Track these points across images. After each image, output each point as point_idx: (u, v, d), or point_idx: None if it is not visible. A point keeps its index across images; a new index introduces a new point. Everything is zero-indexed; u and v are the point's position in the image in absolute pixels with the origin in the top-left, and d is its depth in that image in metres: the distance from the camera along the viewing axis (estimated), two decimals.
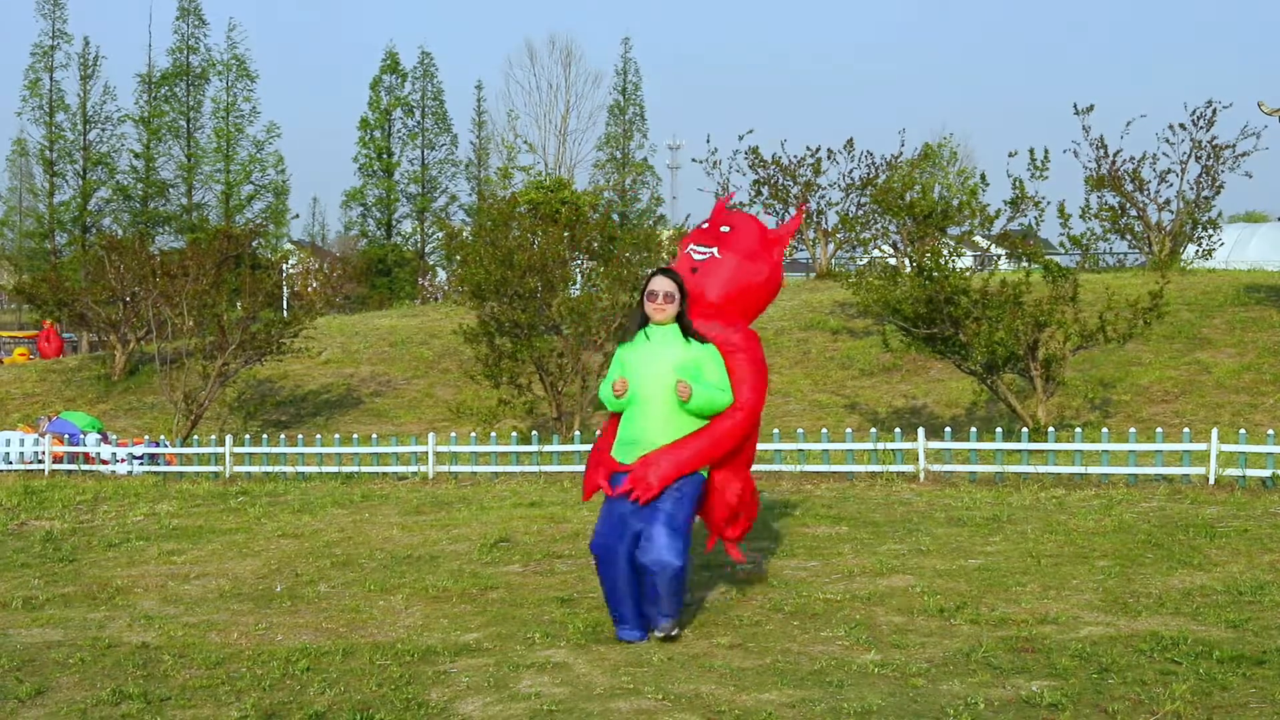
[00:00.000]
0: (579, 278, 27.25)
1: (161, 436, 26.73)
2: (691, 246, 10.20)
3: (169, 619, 10.84)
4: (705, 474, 9.52)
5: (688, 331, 9.46)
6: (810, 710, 7.62)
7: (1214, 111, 38.66)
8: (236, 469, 22.69)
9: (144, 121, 74.82)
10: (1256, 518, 14.37)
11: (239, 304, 30.40)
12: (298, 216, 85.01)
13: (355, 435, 23.60)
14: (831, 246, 42.24)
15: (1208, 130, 38.49)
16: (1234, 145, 38.57)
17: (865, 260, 38.46)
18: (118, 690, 8.49)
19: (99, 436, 24.69)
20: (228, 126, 75.86)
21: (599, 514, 9.46)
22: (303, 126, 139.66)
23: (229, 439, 23.19)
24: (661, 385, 9.28)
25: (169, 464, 23.84)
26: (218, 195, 75.56)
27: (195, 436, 26.42)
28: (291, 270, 48.77)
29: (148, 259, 33.90)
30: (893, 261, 33.30)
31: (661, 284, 9.46)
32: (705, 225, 10.46)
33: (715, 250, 10.01)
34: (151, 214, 73.63)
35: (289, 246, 74.90)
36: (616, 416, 9.74)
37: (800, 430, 20.76)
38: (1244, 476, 17.18)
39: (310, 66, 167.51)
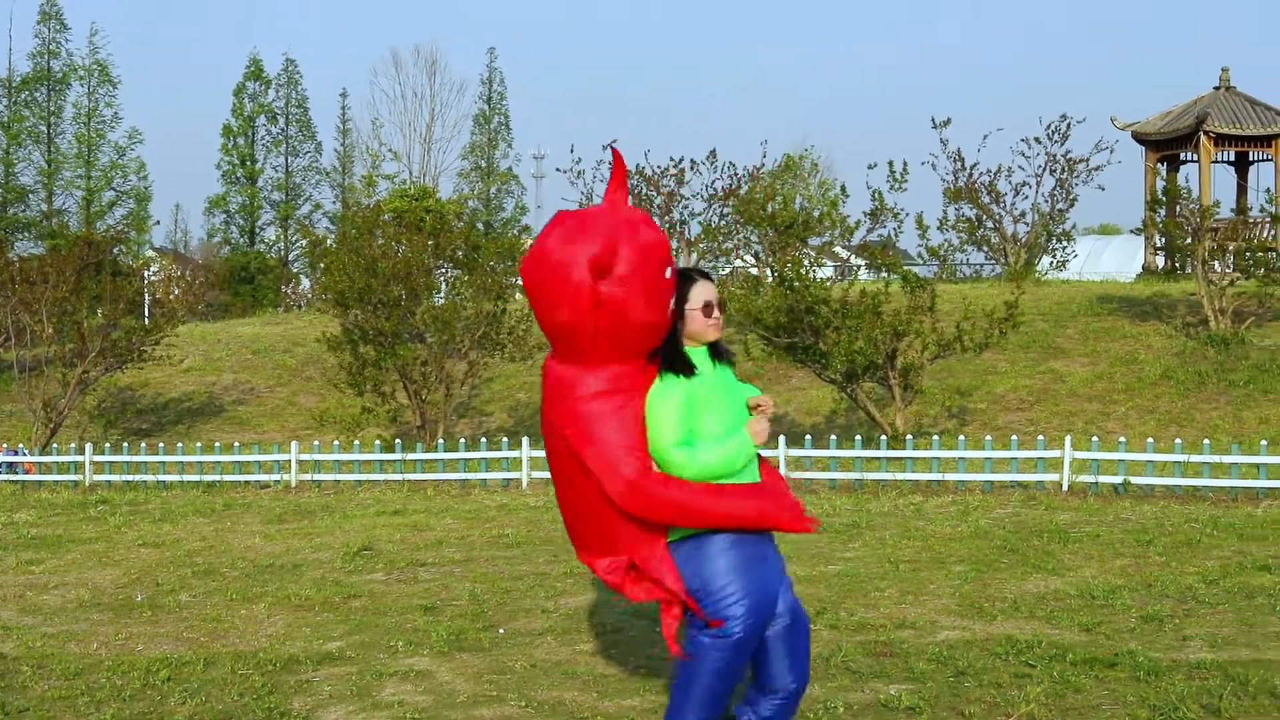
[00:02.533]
0: (443, 286, 27.23)
1: (20, 445, 26.38)
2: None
3: (27, 629, 10.73)
4: None
5: (717, 353, 6.57)
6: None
7: (1068, 126, 39.39)
8: (96, 478, 22.44)
9: (3, 126, 73.57)
10: (1108, 523, 14.66)
11: (100, 311, 30.04)
12: (159, 223, 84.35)
13: (217, 443, 23.42)
14: (695, 256, 42.46)
15: (1062, 144, 39.23)
16: (1088, 159, 39.39)
17: (728, 270, 38.70)
18: None
19: None
20: (89, 132, 74.79)
21: (735, 571, 6.27)
22: (165, 132, 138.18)
23: (89, 447, 22.93)
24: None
25: (28, 472, 23.53)
26: (78, 201, 74.44)
27: (54, 445, 26.08)
28: (153, 277, 48.09)
29: (6, 265, 33.33)
30: (754, 271, 33.55)
31: (714, 291, 6.46)
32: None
33: None
34: (10, 220, 72.39)
35: (151, 253, 73.84)
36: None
37: None
38: (1096, 483, 17.51)
39: (173, 72, 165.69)
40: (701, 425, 6.19)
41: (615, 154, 6.64)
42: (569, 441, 6.20)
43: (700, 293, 6.37)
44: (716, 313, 6.41)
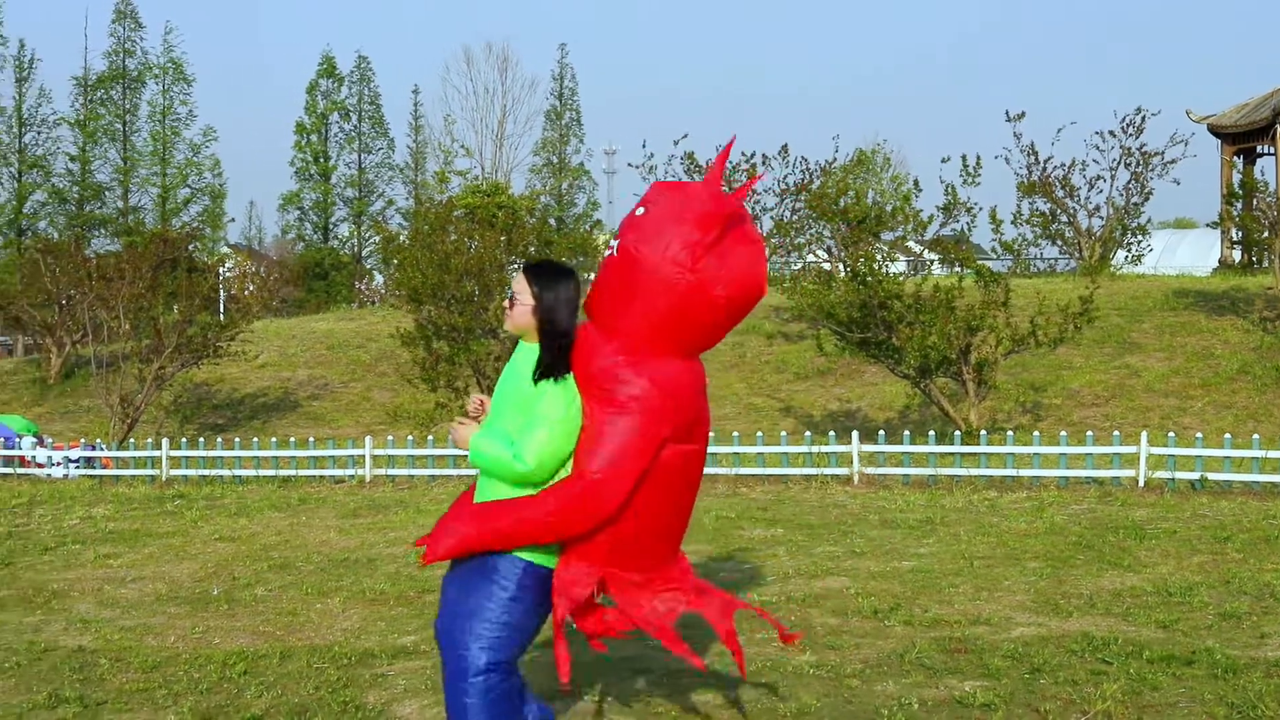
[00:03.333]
0: None
1: (98, 440, 26.60)
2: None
3: (105, 622, 10.83)
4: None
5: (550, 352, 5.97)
6: (745, 711, 7.71)
7: (1143, 119, 39.04)
8: (173, 472, 22.59)
9: (80, 124, 74.18)
10: (1185, 520, 14.55)
11: (175, 307, 30.25)
12: (234, 220, 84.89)
13: (292, 438, 23.55)
14: (767, 251, 42.34)
15: (1137, 137, 38.85)
16: (1163, 152, 38.97)
17: (800, 265, 38.61)
18: (54, 694, 8.48)
19: (35, 440, 24.53)
20: (164, 130, 75.30)
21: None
22: (240, 130, 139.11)
23: (165, 442, 23.09)
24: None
25: (105, 467, 23.71)
26: (154, 198, 75.00)
27: (131, 440, 26.30)
28: (228, 273, 48.51)
29: (83, 262, 33.68)
30: (827, 266, 33.48)
31: (517, 284, 6.05)
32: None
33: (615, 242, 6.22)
34: (87, 217, 73.04)
35: (226, 250, 74.36)
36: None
37: (736, 433, 20.87)
38: (1173, 479, 17.38)
39: (247, 70, 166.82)
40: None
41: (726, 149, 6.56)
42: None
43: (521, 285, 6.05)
44: (507, 301, 6.10)
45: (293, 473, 21.80)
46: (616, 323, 5.97)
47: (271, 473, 21.87)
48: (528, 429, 5.80)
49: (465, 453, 5.97)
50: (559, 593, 6.25)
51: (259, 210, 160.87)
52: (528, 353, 5.98)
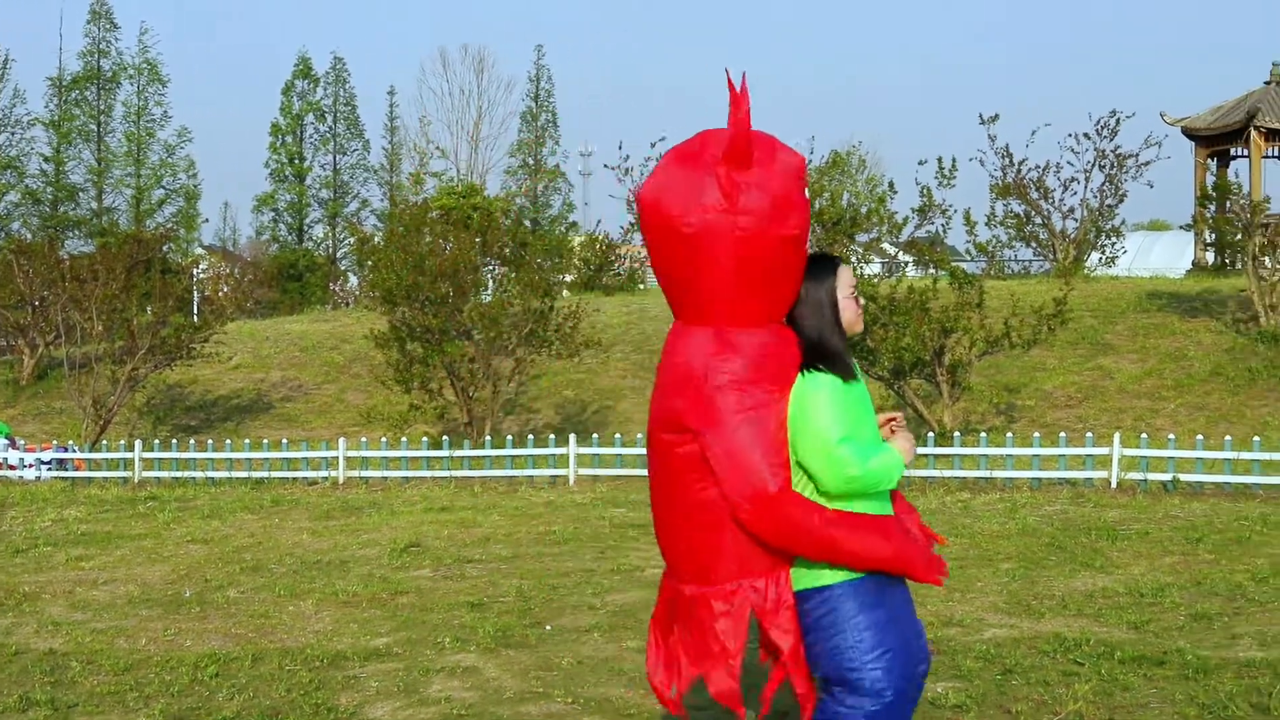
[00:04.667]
0: (490, 283, 27.27)
1: (70, 441, 26.52)
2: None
3: (76, 625, 10.80)
4: None
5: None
6: (720, 711, 7.70)
7: (1117, 121, 39.14)
8: (145, 474, 22.55)
9: (54, 125, 73.90)
10: (1157, 521, 14.61)
11: (149, 308, 30.20)
12: (208, 221, 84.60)
13: (265, 440, 23.52)
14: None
15: (1111, 140, 38.96)
16: (1137, 154, 39.09)
17: None
18: (24, 697, 8.46)
19: (7, 442, 24.45)
20: (139, 131, 75.08)
21: (899, 614, 5.28)
22: (214, 131, 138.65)
23: (138, 444, 23.05)
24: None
25: (77, 469, 23.67)
26: (128, 199, 74.74)
27: (104, 441, 26.21)
28: (202, 275, 48.45)
29: (57, 263, 33.53)
30: None
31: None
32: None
33: None
34: (61, 218, 72.76)
35: (200, 251, 74.14)
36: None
37: None
38: (1145, 480, 17.44)
39: (222, 71, 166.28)
40: (854, 430, 5.12)
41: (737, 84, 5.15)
42: (698, 437, 5.07)
43: (848, 277, 5.38)
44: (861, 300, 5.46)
45: (266, 475, 21.77)
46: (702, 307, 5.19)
47: (244, 474, 21.84)
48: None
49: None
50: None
51: (233, 211, 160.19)
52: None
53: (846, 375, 5.16)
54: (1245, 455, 17.33)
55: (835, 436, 5.02)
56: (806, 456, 5.03)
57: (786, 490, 5.01)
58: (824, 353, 5.18)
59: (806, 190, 5.22)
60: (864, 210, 33.24)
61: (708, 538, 5.17)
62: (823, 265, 5.32)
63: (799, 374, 5.11)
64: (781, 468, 5.02)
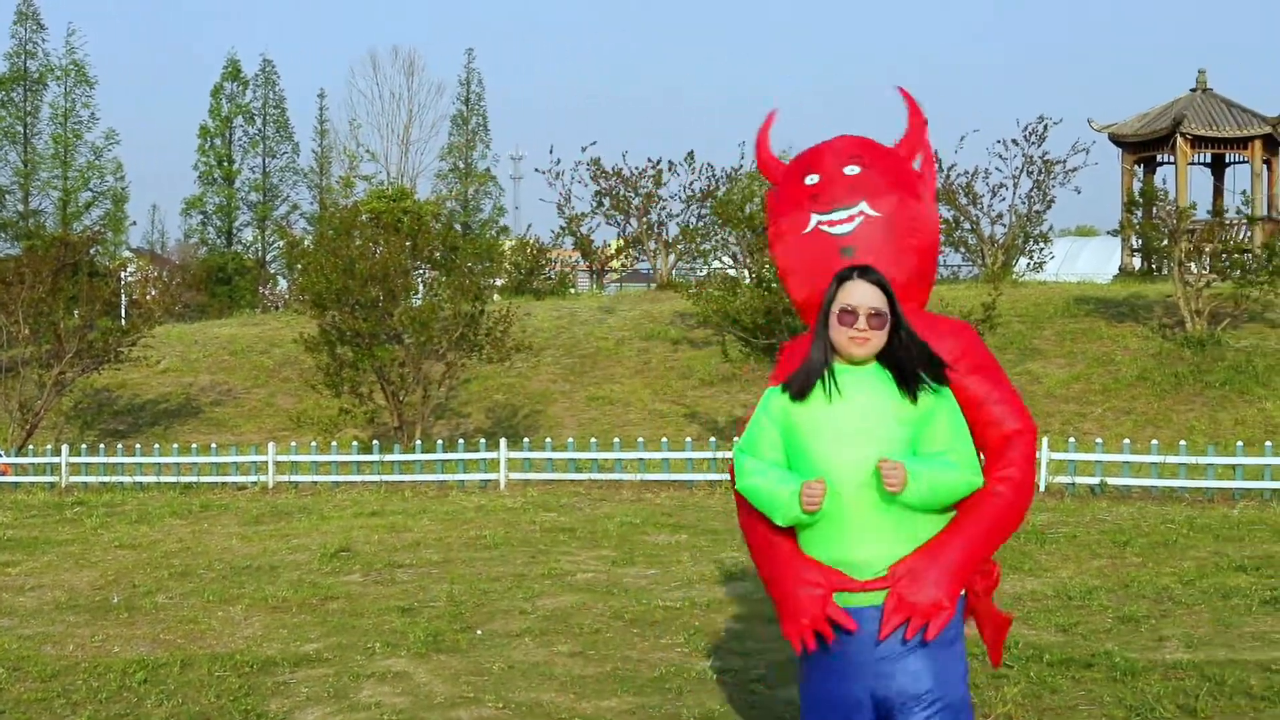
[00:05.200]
0: (421, 287, 27.20)
1: None
2: (819, 217, 5.72)
3: (2, 632, 10.71)
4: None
5: (905, 371, 5.15)
6: (650, 717, 7.72)
7: (1045, 127, 39.42)
8: (73, 479, 22.38)
9: None
10: (1085, 524, 14.71)
11: (76, 312, 29.91)
12: (136, 224, 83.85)
13: (194, 445, 23.40)
14: (672, 257, 42.51)
15: (1039, 146, 39.23)
16: (1064, 161, 39.41)
17: (705, 272, 38.71)
18: None
19: None
20: (66, 133, 74.38)
21: (807, 677, 5.31)
22: (142, 133, 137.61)
23: (65, 449, 22.88)
24: (868, 470, 5.01)
25: (3, 474, 23.45)
26: (55, 202, 74.05)
27: (30, 446, 26.00)
28: (130, 278, 48.01)
29: None
30: (732, 273, 33.56)
31: (866, 294, 5.13)
32: (807, 167, 5.92)
33: (864, 204, 5.67)
34: None
35: (128, 254, 73.44)
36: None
37: (640, 439, 20.93)
38: (1073, 484, 17.57)
39: (151, 73, 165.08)
40: (761, 446, 5.20)
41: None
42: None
43: (845, 293, 5.10)
44: (861, 322, 5.06)
45: (194, 479, 21.63)
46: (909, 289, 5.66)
47: (173, 479, 21.69)
48: (957, 436, 5.18)
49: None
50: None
51: (161, 214, 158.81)
52: (860, 380, 5.11)
53: (796, 393, 5.10)
54: (1171, 459, 17.48)
55: (740, 444, 5.20)
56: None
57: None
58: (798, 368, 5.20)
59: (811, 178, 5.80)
60: None
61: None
62: (836, 277, 5.21)
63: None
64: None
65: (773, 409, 5.19)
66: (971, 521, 5.16)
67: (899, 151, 5.92)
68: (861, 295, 5.07)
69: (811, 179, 5.75)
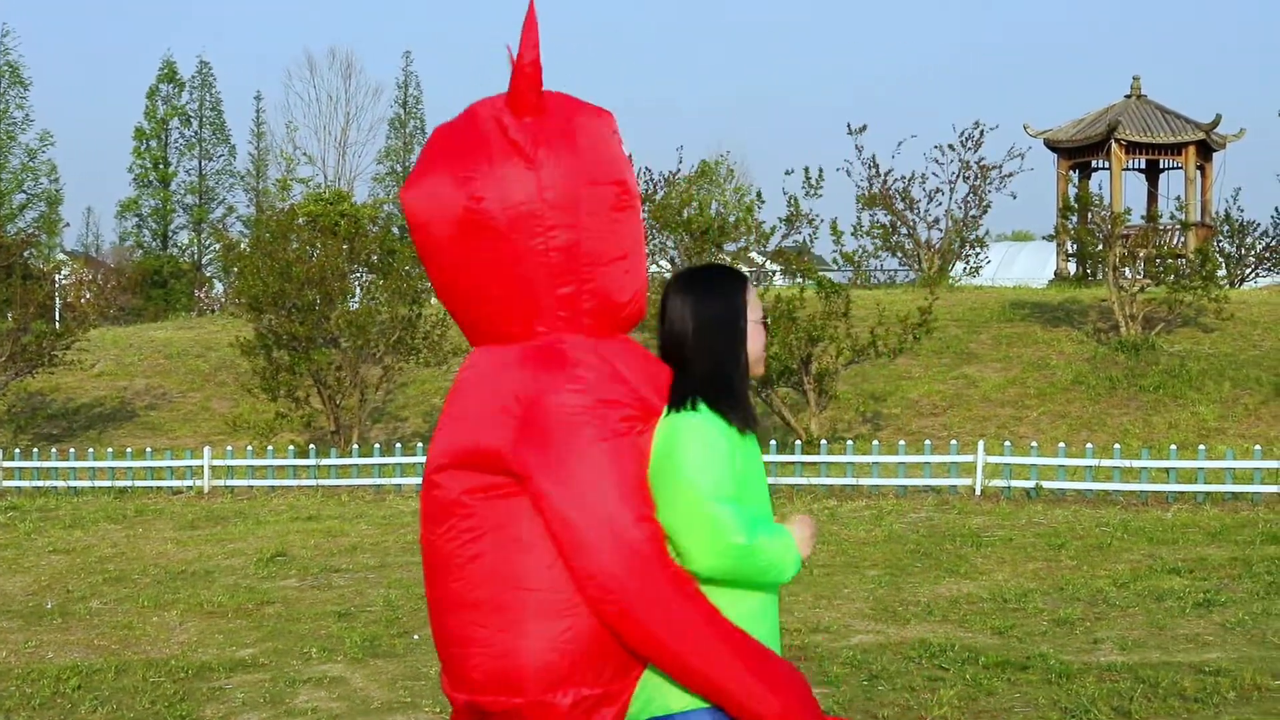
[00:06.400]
0: (358, 291, 27.11)
1: None
2: None
3: None
4: None
5: None
6: None
7: (981, 133, 39.61)
8: (6, 483, 22.21)
9: None
10: (1020, 527, 14.80)
11: (9, 315, 29.71)
12: (70, 226, 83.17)
13: (129, 449, 23.25)
14: None
15: (975, 151, 39.42)
16: (1000, 166, 39.60)
17: None
18: None
19: None
20: (0, 135, 73.97)
21: None
22: (77, 135, 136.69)
23: None
24: None
25: None
26: None
27: None
28: (64, 281, 47.70)
29: None
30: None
31: None
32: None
33: None
34: None
35: (62, 257, 72.90)
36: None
37: None
38: (1009, 487, 17.66)
39: (86, 74, 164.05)
40: (742, 494, 3.74)
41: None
42: (526, 482, 3.59)
43: (757, 300, 4.04)
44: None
45: (129, 484, 21.51)
46: None
47: (108, 484, 21.56)
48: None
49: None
50: None
51: (96, 217, 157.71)
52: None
53: (742, 424, 3.81)
54: (1106, 463, 17.59)
55: (709, 493, 3.58)
56: (673, 518, 3.60)
57: (663, 552, 3.60)
58: (719, 388, 3.80)
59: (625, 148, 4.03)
60: (732, 219, 33.41)
61: (522, 625, 3.60)
62: (727, 277, 4.02)
63: (669, 409, 3.76)
64: (648, 518, 3.60)
65: (727, 446, 3.72)
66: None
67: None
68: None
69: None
